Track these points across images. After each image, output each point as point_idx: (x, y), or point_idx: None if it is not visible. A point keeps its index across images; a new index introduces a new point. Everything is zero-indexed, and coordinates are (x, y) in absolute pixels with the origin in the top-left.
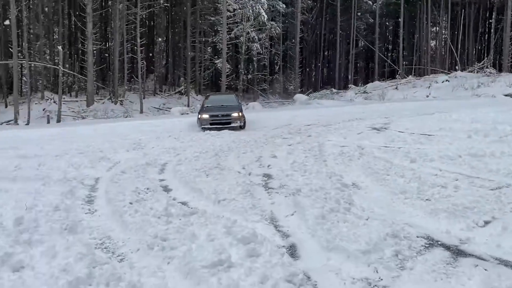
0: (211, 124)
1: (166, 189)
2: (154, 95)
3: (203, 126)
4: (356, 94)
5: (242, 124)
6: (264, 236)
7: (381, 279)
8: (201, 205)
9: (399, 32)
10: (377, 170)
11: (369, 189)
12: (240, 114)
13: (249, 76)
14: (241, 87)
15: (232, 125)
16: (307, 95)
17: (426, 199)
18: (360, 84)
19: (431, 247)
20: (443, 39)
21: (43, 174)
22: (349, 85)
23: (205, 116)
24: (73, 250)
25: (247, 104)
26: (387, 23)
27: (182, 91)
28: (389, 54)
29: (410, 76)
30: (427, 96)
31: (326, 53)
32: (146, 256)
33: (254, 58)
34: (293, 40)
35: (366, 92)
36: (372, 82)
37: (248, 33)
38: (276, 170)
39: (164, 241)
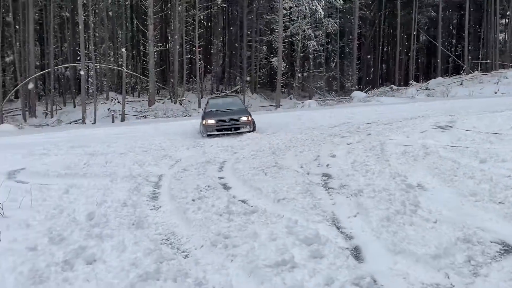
0: (217, 130)
1: (226, 187)
2: (211, 94)
3: (208, 133)
4: (417, 90)
5: (251, 129)
6: (327, 237)
7: (453, 286)
8: (261, 204)
9: (464, 25)
10: (444, 170)
11: (436, 190)
12: (250, 118)
13: (305, 74)
14: (296, 85)
15: (241, 130)
16: (366, 92)
17: (499, 202)
18: (421, 81)
19: (507, 254)
20: None
21: (110, 171)
22: (410, 82)
23: (211, 121)
24: (141, 245)
25: (302, 102)
26: (450, 16)
27: (238, 90)
28: (452, 49)
29: (476, 71)
30: (495, 93)
31: (385, 49)
32: (209, 253)
33: (310, 56)
34: (351, 36)
35: (429, 89)
36: (435, 78)
37: (304, 30)
38: (336, 169)
39: (227, 238)
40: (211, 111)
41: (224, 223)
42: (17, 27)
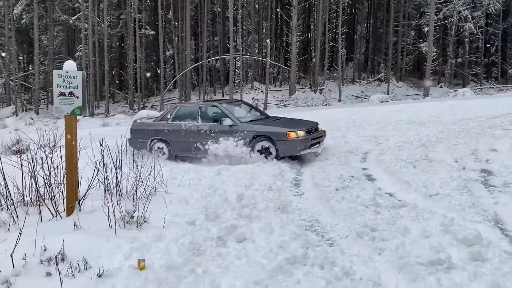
0: (312, 145)
1: (370, 178)
2: (353, 83)
3: (302, 150)
4: None
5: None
6: (489, 240)
7: None
8: (410, 198)
9: None
10: None
11: None
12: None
13: (459, 60)
14: (448, 72)
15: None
16: None
17: None
18: None
19: None
20: None
21: None
22: None
23: (302, 132)
24: (287, 229)
25: (455, 91)
26: None
27: (382, 78)
28: None
29: None
30: None
31: None
32: (355, 244)
33: (466, 40)
34: None
35: None
36: None
37: (459, 12)
38: (498, 165)
39: (374, 231)
40: (269, 118)
41: (371, 215)
42: (176, 23)
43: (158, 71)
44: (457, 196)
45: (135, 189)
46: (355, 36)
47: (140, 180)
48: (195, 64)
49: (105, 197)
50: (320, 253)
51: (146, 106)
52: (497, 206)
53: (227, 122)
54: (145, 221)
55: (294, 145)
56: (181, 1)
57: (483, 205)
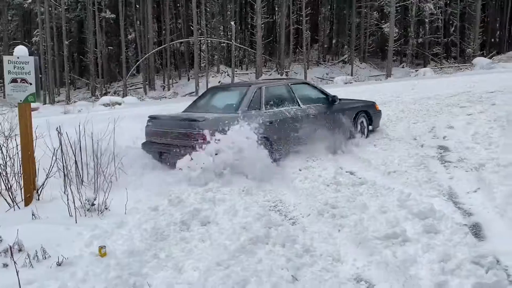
0: None
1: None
2: (318, 65)
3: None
4: None
5: None
6: (442, 213)
7: None
8: (370, 176)
9: None
10: None
11: None
12: None
13: (420, 40)
14: (410, 52)
15: None
16: (490, 58)
17: None
18: None
19: None
20: None
21: None
22: None
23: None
24: (251, 210)
25: (416, 70)
26: None
27: (346, 60)
28: None
29: None
30: None
31: None
32: (317, 221)
33: (426, 20)
34: None
35: None
36: None
37: None
38: (454, 142)
39: (334, 208)
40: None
41: (332, 193)
42: (137, 6)
43: (121, 56)
44: (414, 173)
45: (95, 177)
46: (319, 18)
47: (100, 168)
48: (158, 48)
49: (65, 185)
50: (282, 232)
51: (109, 92)
52: (451, 180)
53: (331, 100)
54: (106, 208)
55: (379, 117)
56: None
57: (438, 180)
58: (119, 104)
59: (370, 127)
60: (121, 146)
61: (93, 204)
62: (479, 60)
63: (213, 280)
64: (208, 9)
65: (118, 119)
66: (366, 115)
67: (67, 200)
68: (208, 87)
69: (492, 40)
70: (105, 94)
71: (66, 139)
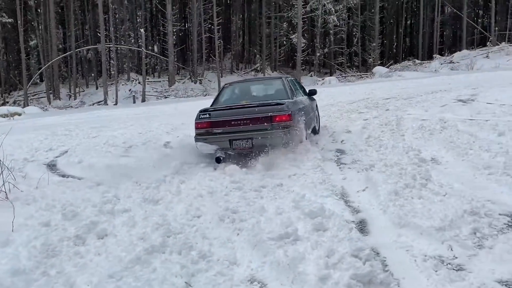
0: None
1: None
2: (231, 73)
3: None
4: (441, 64)
5: None
6: (332, 211)
7: (456, 257)
8: (270, 180)
9: None
10: (460, 144)
11: (450, 164)
12: None
13: (326, 50)
14: (317, 62)
15: None
16: (388, 67)
17: None
18: (446, 54)
19: None
20: None
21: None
22: (434, 55)
23: None
24: (150, 220)
25: (323, 79)
26: None
27: (258, 68)
28: (479, 20)
29: (504, 43)
30: None
31: (408, 22)
32: (217, 227)
33: (331, 31)
34: (372, 10)
35: (453, 62)
36: (460, 51)
37: (324, 5)
38: (349, 145)
39: (235, 213)
40: None
41: (233, 198)
42: (39, 10)
43: (21, 64)
44: (311, 175)
45: None
46: (232, 27)
47: None
48: (63, 55)
49: None
50: (180, 240)
51: (7, 102)
52: (344, 181)
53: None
54: None
55: None
56: None
57: (332, 181)
58: (19, 114)
59: None
60: (18, 159)
61: None
62: (378, 69)
63: None
64: (117, 15)
65: (19, 131)
66: None
67: None
68: (118, 95)
69: (390, 52)
70: (3, 104)
71: None
